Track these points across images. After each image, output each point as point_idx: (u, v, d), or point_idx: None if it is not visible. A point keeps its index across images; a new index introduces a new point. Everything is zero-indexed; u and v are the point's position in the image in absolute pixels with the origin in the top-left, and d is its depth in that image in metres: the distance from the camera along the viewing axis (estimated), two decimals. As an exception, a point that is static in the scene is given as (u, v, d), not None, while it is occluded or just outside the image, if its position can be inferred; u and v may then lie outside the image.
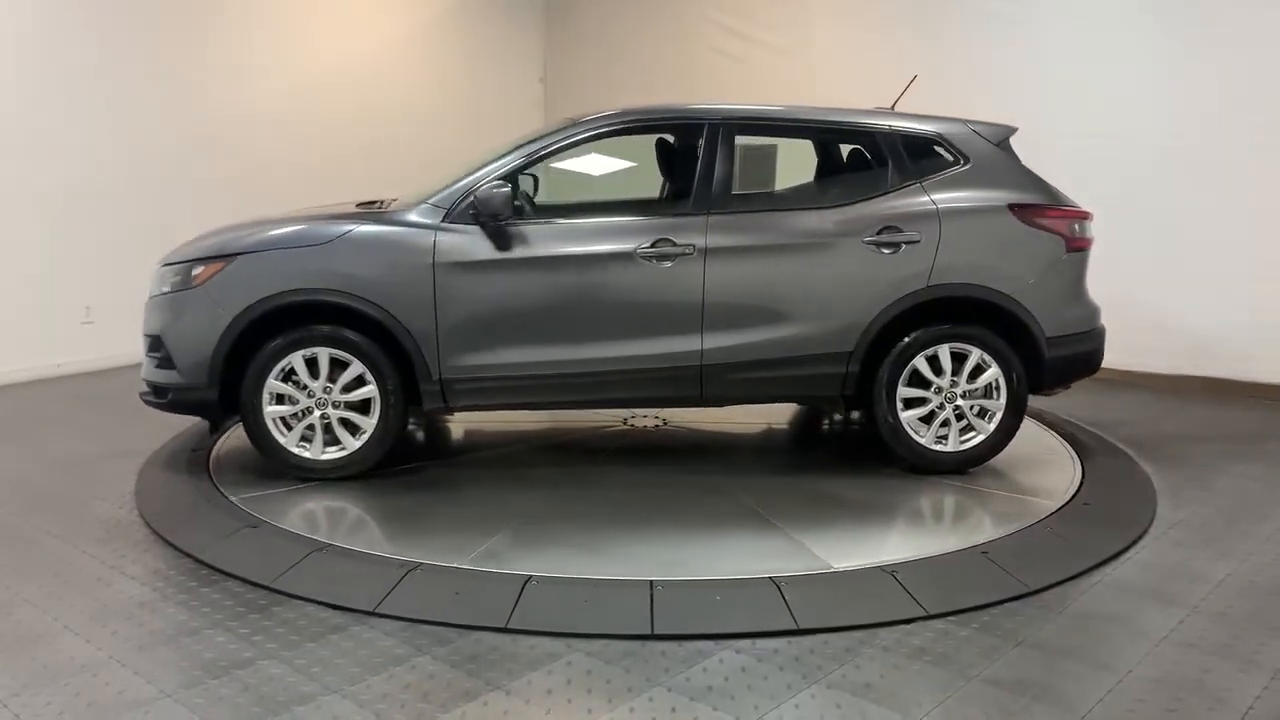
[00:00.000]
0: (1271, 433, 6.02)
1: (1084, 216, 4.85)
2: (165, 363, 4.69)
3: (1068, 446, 5.41)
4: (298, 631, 3.35)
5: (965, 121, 4.89)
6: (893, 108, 5.14)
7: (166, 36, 7.84)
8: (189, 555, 3.98)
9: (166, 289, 4.72)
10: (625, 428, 5.77)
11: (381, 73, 9.44)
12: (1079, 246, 4.81)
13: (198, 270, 4.63)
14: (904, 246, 4.63)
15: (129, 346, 7.34)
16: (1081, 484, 4.79)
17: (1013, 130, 4.90)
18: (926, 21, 8.05)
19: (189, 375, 4.62)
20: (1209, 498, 4.81)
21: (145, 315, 4.84)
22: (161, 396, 4.75)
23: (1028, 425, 5.62)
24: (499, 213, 4.51)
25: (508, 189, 4.52)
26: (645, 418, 5.88)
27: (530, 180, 5.45)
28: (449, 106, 9.98)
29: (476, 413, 5.92)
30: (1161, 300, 7.04)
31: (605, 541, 4.08)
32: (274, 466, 4.75)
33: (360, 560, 3.84)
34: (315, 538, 4.04)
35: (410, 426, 5.91)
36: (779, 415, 6.01)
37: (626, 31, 10.27)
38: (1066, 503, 4.54)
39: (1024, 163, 4.87)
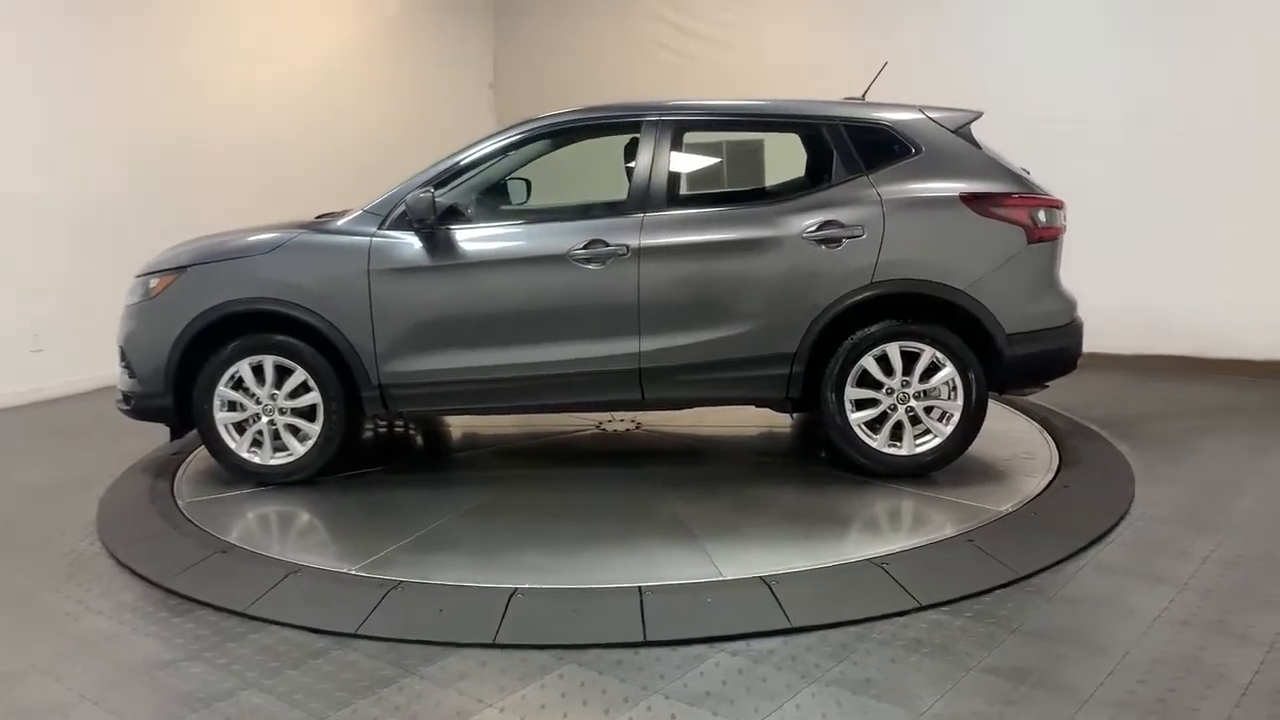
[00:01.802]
0: (1235, 406, 6.10)
1: (1052, 205, 4.68)
2: (130, 371, 4.85)
3: (1042, 430, 5.42)
4: (278, 658, 3.24)
5: (921, 108, 4.77)
6: (863, 97, 5.09)
7: (108, 54, 7.61)
8: (158, 585, 3.83)
9: (133, 300, 4.88)
10: (598, 431, 5.69)
11: (328, 84, 9.27)
12: (1043, 236, 4.62)
13: (154, 283, 4.82)
14: (845, 242, 4.52)
15: (82, 374, 7.19)
16: (1059, 467, 4.79)
17: (975, 116, 4.82)
18: (880, 10, 8.06)
19: (147, 383, 4.77)
20: (1184, 474, 4.84)
21: (119, 326, 4.97)
22: (127, 404, 4.90)
23: (1001, 410, 5.65)
24: (424, 217, 4.53)
25: (430, 194, 4.52)
26: (620, 421, 5.80)
27: (522, 185, 5.51)
28: (398, 116, 9.82)
29: (459, 416, 5.86)
30: (1123, 280, 7.09)
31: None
32: (232, 477, 4.84)
33: (338, 581, 3.72)
34: (290, 560, 3.92)
35: (398, 428, 5.83)
36: (778, 419, 5.62)
37: (576, 34, 10.20)
38: (1046, 486, 4.54)
39: (989, 150, 4.78)
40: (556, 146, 5.38)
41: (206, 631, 3.45)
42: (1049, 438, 5.28)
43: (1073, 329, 4.76)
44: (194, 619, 3.56)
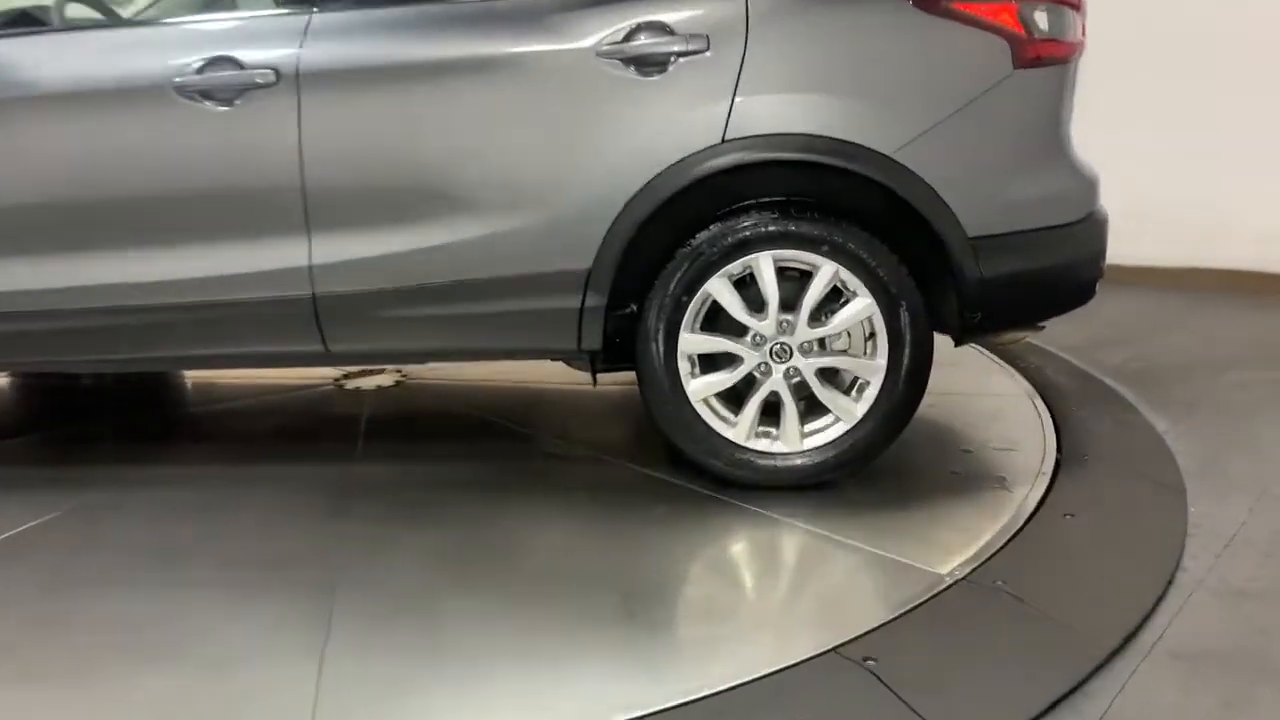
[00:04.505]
0: (1328, 347, 4.12)
1: (1061, 1, 2.60)
2: None
3: (1031, 394, 3.41)
4: None
5: None
6: None
7: None
8: None
9: None
10: (334, 388, 3.68)
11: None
12: (1044, 56, 2.56)
13: None
14: (676, 64, 2.48)
15: None
16: (1056, 468, 2.81)
17: None
18: None
19: None
20: (1271, 472, 2.86)
21: None
22: None
23: (964, 358, 3.63)
24: None
25: None
26: (378, 373, 3.77)
27: None
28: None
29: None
30: (1160, 169, 5.06)
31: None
32: None
33: None
34: None
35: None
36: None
37: None
38: (1033, 513, 2.54)
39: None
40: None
41: None
42: (1041, 408, 3.26)
43: (1088, 230, 2.69)
44: None
